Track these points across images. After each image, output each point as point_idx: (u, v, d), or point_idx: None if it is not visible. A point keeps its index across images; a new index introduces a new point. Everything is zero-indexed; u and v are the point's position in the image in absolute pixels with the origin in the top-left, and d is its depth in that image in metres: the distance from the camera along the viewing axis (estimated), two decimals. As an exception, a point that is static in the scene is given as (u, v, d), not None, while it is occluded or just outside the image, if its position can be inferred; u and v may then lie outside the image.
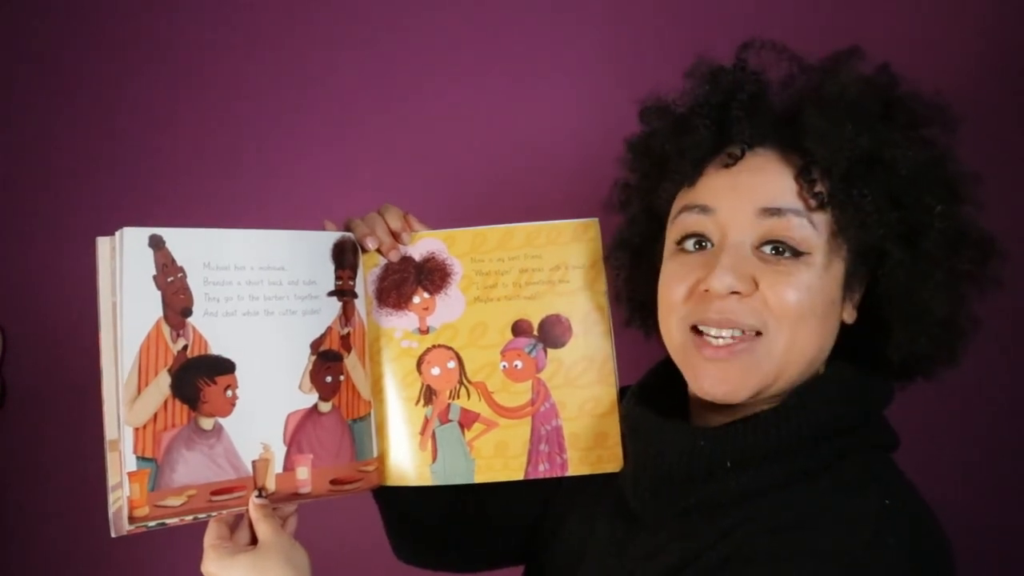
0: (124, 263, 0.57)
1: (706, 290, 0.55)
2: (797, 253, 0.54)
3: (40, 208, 1.43)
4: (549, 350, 0.68)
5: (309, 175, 1.27)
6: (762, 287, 0.54)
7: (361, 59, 1.25)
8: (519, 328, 0.68)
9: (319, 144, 1.27)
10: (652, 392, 0.64)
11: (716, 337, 0.55)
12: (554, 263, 0.68)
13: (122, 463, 0.56)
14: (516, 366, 0.68)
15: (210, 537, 0.60)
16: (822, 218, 0.54)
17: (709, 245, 0.57)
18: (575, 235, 0.68)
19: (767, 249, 0.55)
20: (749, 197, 0.55)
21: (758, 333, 0.55)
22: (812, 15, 0.95)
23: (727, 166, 0.56)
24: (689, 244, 0.58)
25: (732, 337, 0.55)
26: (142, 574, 1.33)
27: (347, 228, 0.69)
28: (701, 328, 0.56)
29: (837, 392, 0.56)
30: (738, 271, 0.54)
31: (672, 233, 0.60)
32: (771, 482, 0.54)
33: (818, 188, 0.54)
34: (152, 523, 0.56)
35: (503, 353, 0.68)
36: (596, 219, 0.69)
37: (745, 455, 0.54)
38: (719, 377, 0.55)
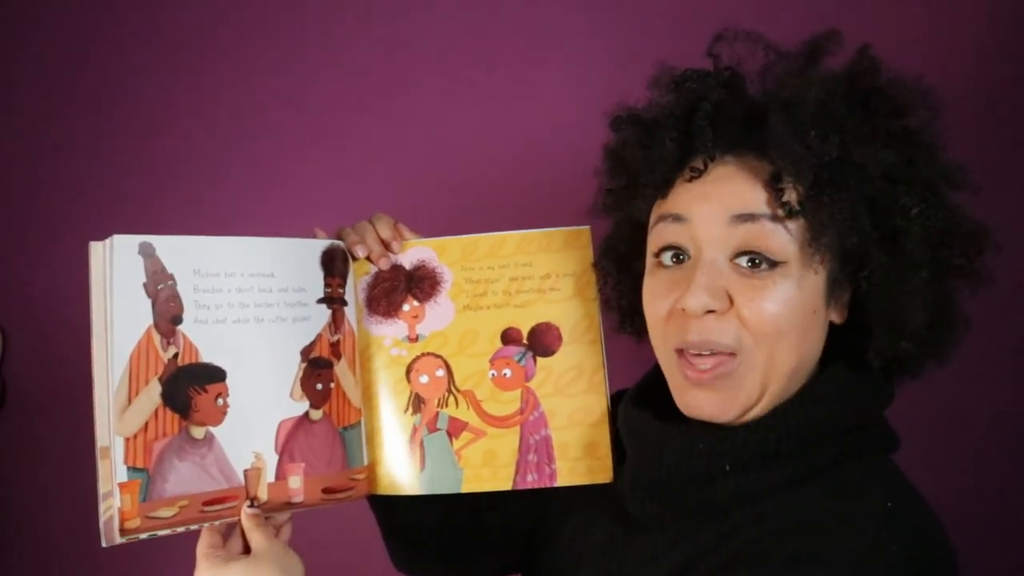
0: (114, 270, 0.57)
1: (683, 309, 0.54)
2: (773, 263, 0.53)
3: (40, 209, 1.43)
4: (539, 358, 0.67)
5: (300, 183, 1.28)
6: (738, 303, 0.53)
7: (352, 67, 1.25)
8: (508, 336, 0.68)
9: (311, 152, 1.27)
10: (649, 395, 0.63)
11: (697, 356, 0.55)
12: (545, 271, 0.68)
13: (113, 472, 0.55)
14: (505, 374, 0.67)
15: (203, 546, 0.59)
16: (795, 225, 0.53)
17: (686, 257, 0.56)
18: (566, 243, 0.68)
19: (743, 261, 0.53)
20: (721, 205, 0.54)
21: (735, 353, 0.54)
22: (813, 11, 0.95)
23: (692, 179, 0.55)
24: (666, 257, 0.57)
25: (712, 356, 0.54)
26: (140, 577, 1.34)
27: (338, 237, 0.69)
28: (684, 349, 0.56)
29: (835, 394, 0.55)
30: (712, 289, 0.53)
31: (651, 244, 0.59)
32: (771, 484, 0.54)
33: (786, 197, 0.52)
34: (144, 534, 0.56)
35: (492, 361, 0.68)
36: (588, 227, 0.68)
37: (744, 457, 0.54)
38: (704, 400, 0.55)
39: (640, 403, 0.62)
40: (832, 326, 0.57)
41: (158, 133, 1.36)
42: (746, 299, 0.53)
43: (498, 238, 0.69)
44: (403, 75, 1.22)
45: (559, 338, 0.68)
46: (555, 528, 0.71)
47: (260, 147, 1.30)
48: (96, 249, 0.58)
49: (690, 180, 0.55)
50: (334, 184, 1.26)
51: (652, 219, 0.59)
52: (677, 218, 0.56)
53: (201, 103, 1.33)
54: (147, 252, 0.59)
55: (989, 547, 0.87)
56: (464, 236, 0.69)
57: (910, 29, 0.93)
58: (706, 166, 0.55)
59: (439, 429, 0.68)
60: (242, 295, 0.62)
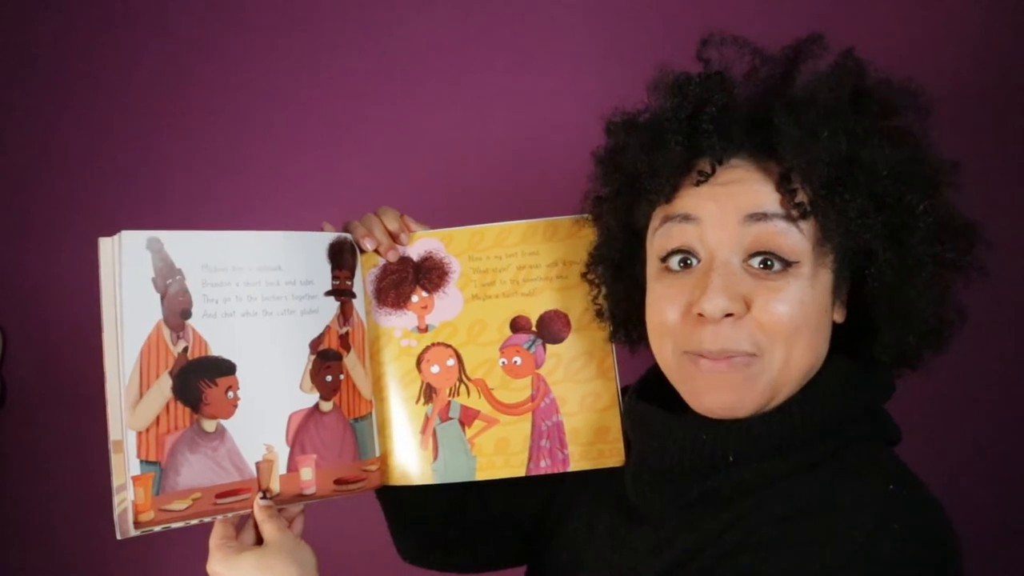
0: (123, 266, 0.57)
1: (699, 314, 0.53)
2: (786, 264, 0.53)
3: (41, 208, 1.43)
4: (548, 346, 0.68)
5: (306, 177, 1.28)
6: (754, 307, 0.53)
7: (357, 61, 1.25)
8: (518, 324, 0.68)
9: (317, 147, 1.27)
10: (654, 388, 0.63)
11: (714, 360, 0.54)
12: (551, 259, 0.68)
13: (126, 466, 0.56)
14: (515, 362, 0.68)
15: (216, 537, 0.60)
16: (807, 225, 0.53)
17: (694, 262, 0.55)
18: (572, 230, 0.68)
19: (755, 262, 0.53)
20: (732, 205, 0.53)
21: (753, 355, 0.54)
22: (805, 10, 0.96)
23: (699, 183, 0.55)
24: (674, 262, 0.56)
25: (731, 359, 0.54)
26: (146, 573, 1.34)
27: (345, 230, 0.69)
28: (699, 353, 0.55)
29: (838, 386, 0.55)
30: (729, 291, 0.52)
31: (655, 248, 0.57)
32: (773, 474, 0.54)
33: (799, 198, 0.52)
34: (157, 527, 0.56)
35: (502, 350, 0.68)
36: None
37: (747, 448, 0.54)
38: (719, 393, 0.54)
39: (644, 396, 0.62)
40: (832, 325, 0.57)
41: (163, 130, 1.35)
42: (763, 301, 0.53)
43: (504, 228, 0.69)
44: (406, 71, 1.23)
45: (568, 325, 0.68)
46: (559, 523, 0.71)
47: (266, 142, 1.30)
48: (105, 245, 0.58)
49: (697, 184, 0.55)
50: (340, 178, 1.26)
51: (656, 222, 0.58)
52: (686, 218, 0.55)
53: (206, 99, 1.33)
54: (155, 247, 0.59)
55: (988, 545, 0.88)
56: (470, 227, 0.69)
57: (905, 28, 0.94)
58: (714, 169, 0.54)
59: (451, 418, 0.68)
60: (250, 288, 0.63)
